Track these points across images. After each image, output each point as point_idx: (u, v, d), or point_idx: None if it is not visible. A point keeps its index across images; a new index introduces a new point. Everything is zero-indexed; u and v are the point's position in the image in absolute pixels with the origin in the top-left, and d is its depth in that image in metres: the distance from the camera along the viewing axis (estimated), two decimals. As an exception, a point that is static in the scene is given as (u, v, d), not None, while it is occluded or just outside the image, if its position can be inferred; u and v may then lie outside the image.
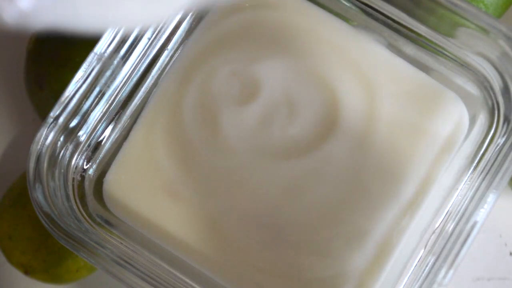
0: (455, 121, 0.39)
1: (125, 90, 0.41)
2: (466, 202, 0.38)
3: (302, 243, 0.39)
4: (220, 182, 0.40)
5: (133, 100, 0.41)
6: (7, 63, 0.51)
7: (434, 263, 0.37)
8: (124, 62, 0.40)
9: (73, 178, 0.41)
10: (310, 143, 0.40)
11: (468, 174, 0.39)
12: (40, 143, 0.39)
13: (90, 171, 0.41)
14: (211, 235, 0.40)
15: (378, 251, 0.39)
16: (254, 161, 0.40)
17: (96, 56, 0.39)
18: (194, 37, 0.41)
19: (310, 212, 0.39)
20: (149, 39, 0.41)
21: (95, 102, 0.40)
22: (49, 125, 0.39)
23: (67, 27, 0.25)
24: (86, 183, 0.41)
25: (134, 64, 0.41)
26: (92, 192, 0.41)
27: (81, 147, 0.40)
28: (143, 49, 0.41)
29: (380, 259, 0.39)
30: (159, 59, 0.41)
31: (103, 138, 0.41)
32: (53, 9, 0.24)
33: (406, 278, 0.39)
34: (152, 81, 0.41)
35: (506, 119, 0.39)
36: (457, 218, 0.38)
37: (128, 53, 0.40)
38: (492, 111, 0.39)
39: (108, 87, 0.40)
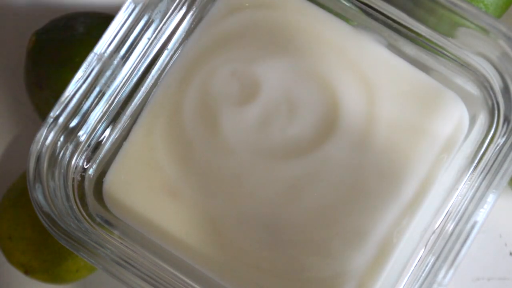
0: (455, 121, 0.39)
1: (125, 90, 0.41)
2: (466, 202, 0.38)
3: (302, 243, 0.39)
4: (220, 182, 0.40)
5: (133, 100, 0.41)
6: (7, 63, 0.51)
7: (434, 263, 0.37)
8: (124, 62, 0.40)
9: (73, 178, 0.41)
10: (310, 143, 0.40)
11: (468, 174, 0.39)
12: (40, 143, 0.39)
13: (90, 171, 0.41)
14: (211, 235, 0.40)
15: (378, 251, 0.39)
16: (254, 161, 0.40)
17: (96, 56, 0.39)
18: (194, 37, 0.41)
19: (310, 212, 0.39)
20: (149, 39, 0.41)
21: (95, 102, 0.40)
22: (49, 125, 0.39)
23: None
24: (86, 183, 0.41)
25: (134, 64, 0.41)
26: (92, 192, 0.41)
27: (81, 147, 0.40)
28: (143, 49, 0.41)
29: (380, 259, 0.39)
30: (159, 59, 0.41)
31: (103, 138, 0.41)
32: None
33: (406, 278, 0.39)
34: (152, 81, 0.41)
35: (506, 119, 0.39)
36: (457, 218, 0.38)
37: (128, 53, 0.40)
38: (492, 111, 0.39)
39: (108, 87, 0.40)
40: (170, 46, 0.41)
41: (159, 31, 0.41)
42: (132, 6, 0.39)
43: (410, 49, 0.40)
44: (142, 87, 0.41)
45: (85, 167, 0.41)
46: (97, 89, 0.40)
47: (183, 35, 0.41)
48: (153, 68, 0.41)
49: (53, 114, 0.39)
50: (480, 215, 0.37)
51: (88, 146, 0.41)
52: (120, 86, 0.41)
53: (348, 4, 0.41)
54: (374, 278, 0.39)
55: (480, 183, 0.38)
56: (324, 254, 0.39)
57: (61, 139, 0.39)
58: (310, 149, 0.39)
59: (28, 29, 0.47)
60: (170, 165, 0.40)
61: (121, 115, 0.41)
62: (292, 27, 0.40)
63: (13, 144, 0.51)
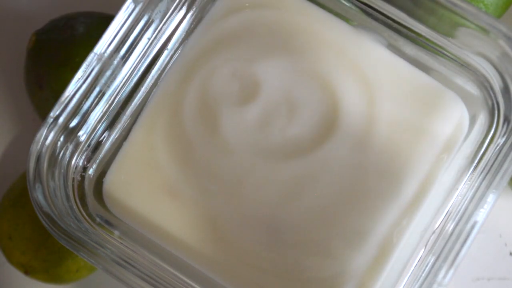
0: (455, 121, 0.39)
1: (125, 90, 0.41)
2: (466, 202, 0.38)
3: (302, 243, 0.39)
4: (220, 182, 0.40)
5: (133, 100, 0.41)
6: (7, 63, 0.51)
7: (434, 263, 0.37)
8: (124, 62, 0.40)
9: (73, 178, 0.41)
10: (310, 143, 0.40)
11: (468, 174, 0.39)
12: (40, 143, 0.39)
13: (90, 171, 0.41)
14: (211, 235, 0.40)
15: (378, 251, 0.39)
16: (254, 161, 0.40)
17: (96, 56, 0.39)
18: (194, 37, 0.41)
19: (310, 212, 0.39)
20: (149, 39, 0.41)
21: (95, 102, 0.40)
22: (49, 125, 0.39)
23: None
24: (86, 183, 0.41)
25: (134, 64, 0.41)
26: (92, 192, 0.41)
27: (81, 147, 0.40)
28: (143, 49, 0.41)
29: (380, 259, 0.39)
30: (159, 59, 0.41)
31: (103, 138, 0.41)
32: None
33: (406, 278, 0.39)
34: (152, 81, 0.41)
35: (506, 119, 0.39)
36: (457, 218, 0.38)
37: (128, 53, 0.40)
38: (492, 111, 0.39)
39: (108, 87, 0.40)
40: (170, 46, 0.41)
41: (159, 31, 0.41)
42: (132, 6, 0.39)
43: (410, 49, 0.40)
44: (142, 87, 0.41)
45: (85, 167, 0.41)
46: (97, 89, 0.40)
47: (183, 35, 0.41)
48: (153, 68, 0.41)
49: (53, 114, 0.39)
50: (480, 215, 0.37)
51: (88, 146, 0.41)
52: (120, 86, 0.41)
53: (348, 4, 0.41)
54: (374, 278, 0.39)
55: (480, 183, 0.38)
56: (324, 254, 0.39)
57: (61, 139, 0.39)
58: (310, 149, 0.39)
59: (28, 29, 0.47)
60: (170, 165, 0.40)
61: (121, 115, 0.41)
62: (292, 27, 0.40)
63: (13, 144, 0.51)
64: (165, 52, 0.41)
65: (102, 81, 0.40)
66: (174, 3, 0.41)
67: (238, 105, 0.40)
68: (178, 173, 0.40)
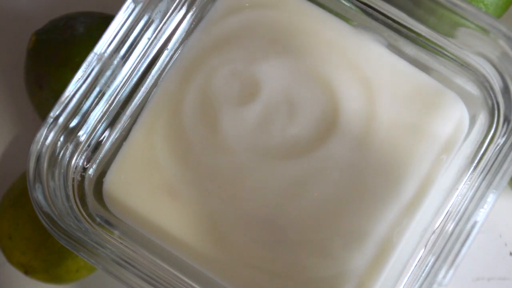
0: (455, 121, 0.39)
1: (125, 90, 0.41)
2: (466, 202, 0.38)
3: (302, 243, 0.39)
4: (220, 182, 0.40)
5: (133, 100, 0.41)
6: (7, 63, 0.51)
7: (434, 263, 0.37)
8: (124, 62, 0.40)
9: (73, 178, 0.41)
10: (310, 143, 0.40)
11: (468, 174, 0.39)
12: (40, 143, 0.39)
13: (90, 171, 0.41)
14: (211, 235, 0.40)
15: (378, 251, 0.39)
16: (254, 161, 0.40)
17: (96, 56, 0.39)
18: (194, 37, 0.41)
19: (310, 212, 0.39)
20: (149, 39, 0.41)
21: (95, 102, 0.40)
22: (49, 125, 0.39)
23: None
24: (86, 183, 0.41)
25: (134, 64, 0.41)
26: (92, 192, 0.41)
27: (81, 147, 0.40)
28: (143, 49, 0.41)
29: (380, 259, 0.39)
30: (159, 59, 0.41)
31: (103, 138, 0.41)
32: None
33: (406, 278, 0.39)
34: (152, 81, 0.41)
35: (506, 119, 0.39)
36: (457, 218, 0.38)
37: (128, 53, 0.40)
38: (492, 111, 0.39)
39: (108, 87, 0.40)
40: (170, 46, 0.41)
41: (159, 31, 0.41)
42: (132, 6, 0.39)
43: (410, 49, 0.40)
44: (142, 87, 0.41)
45: (85, 167, 0.41)
46: (97, 89, 0.40)
47: (183, 35, 0.41)
48: (153, 68, 0.41)
49: (53, 114, 0.39)
50: (480, 215, 0.37)
51: (88, 146, 0.41)
52: (120, 86, 0.41)
53: (348, 4, 0.41)
54: (374, 278, 0.39)
55: (480, 183, 0.38)
56: (324, 254, 0.39)
57: (61, 139, 0.39)
58: (310, 149, 0.39)
59: (28, 29, 0.47)
60: (170, 165, 0.40)
61: (121, 115, 0.41)
62: (292, 27, 0.40)
63: (13, 144, 0.51)
64: (165, 52, 0.41)
65: (102, 81, 0.40)
66: (174, 3, 0.41)
67: (238, 105, 0.40)
68: (178, 173, 0.40)
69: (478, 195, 0.37)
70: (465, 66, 0.40)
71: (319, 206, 0.39)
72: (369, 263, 0.39)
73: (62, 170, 0.40)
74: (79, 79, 0.39)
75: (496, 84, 0.39)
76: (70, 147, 0.40)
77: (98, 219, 0.41)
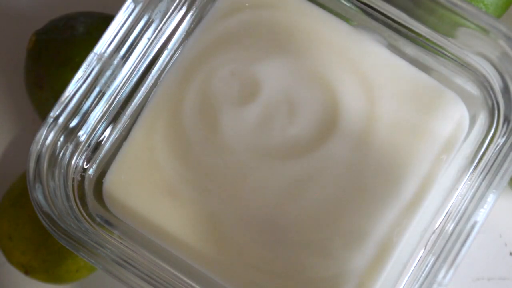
0: (455, 121, 0.39)
1: (125, 90, 0.41)
2: (466, 202, 0.38)
3: (302, 243, 0.39)
4: (220, 182, 0.40)
5: (133, 100, 0.41)
6: (7, 63, 0.51)
7: (434, 263, 0.37)
8: (124, 62, 0.40)
9: (73, 178, 0.41)
10: (310, 143, 0.40)
11: (468, 174, 0.39)
12: (40, 143, 0.39)
13: (90, 171, 0.41)
14: (211, 235, 0.40)
15: (378, 251, 0.39)
16: (254, 161, 0.40)
17: (96, 56, 0.39)
18: (194, 37, 0.41)
19: (310, 212, 0.39)
20: (149, 39, 0.41)
21: (95, 102, 0.40)
22: (49, 125, 0.39)
23: None
24: (86, 183, 0.41)
25: (134, 64, 0.41)
26: (92, 192, 0.41)
27: (81, 147, 0.40)
28: (143, 49, 0.41)
29: (380, 259, 0.39)
30: (159, 59, 0.41)
31: (103, 138, 0.41)
32: None
33: (406, 278, 0.39)
34: (152, 81, 0.41)
35: (506, 119, 0.39)
36: (457, 218, 0.38)
37: (128, 53, 0.40)
38: (492, 111, 0.39)
39: (108, 87, 0.40)
40: (170, 46, 0.41)
41: (159, 31, 0.41)
42: (132, 6, 0.39)
43: (410, 49, 0.40)
44: (142, 87, 0.41)
45: (85, 167, 0.41)
46: (97, 89, 0.40)
47: (183, 35, 0.41)
48: (153, 68, 0.41)
49: (53, 114, 0.39)
50: (480, 215, 0.37)
51: (88, 146, 0.41)
52: (120, 86, 0.41)
53: (348, 4, 0.41)
54: (374, 278, 0.39)
55: (480, 183, 0.38)
56: (324, 254, 0.39)
57: (61, 139, 0.39)
58: (310, 149, 0.39)
59: (28, 29, 0.47)
60: (170, 165, 0.40)
61: (121, 115, 0.41)
62: (292, 27, 0.40)
63: (13, 144, 0.51)
64: (165, 52, 0.41)
65: (102, 81, 0.40)
66: (174, 3, 0.41)
67: (238, 105, 0.40)
68: (178, 173, 0.40)
69: (478, 195, 0.37)
70: (465, 66, 0.40)
71: (319, 206, 0.39)
72: (369, 263, 0.39)
73: (62, 170, 0.40)
74: (79, 79, 0.39)
75: (496, 84, 0.39)
76: (70, 147, 0.40)
77: (98, 219, 0.41)
